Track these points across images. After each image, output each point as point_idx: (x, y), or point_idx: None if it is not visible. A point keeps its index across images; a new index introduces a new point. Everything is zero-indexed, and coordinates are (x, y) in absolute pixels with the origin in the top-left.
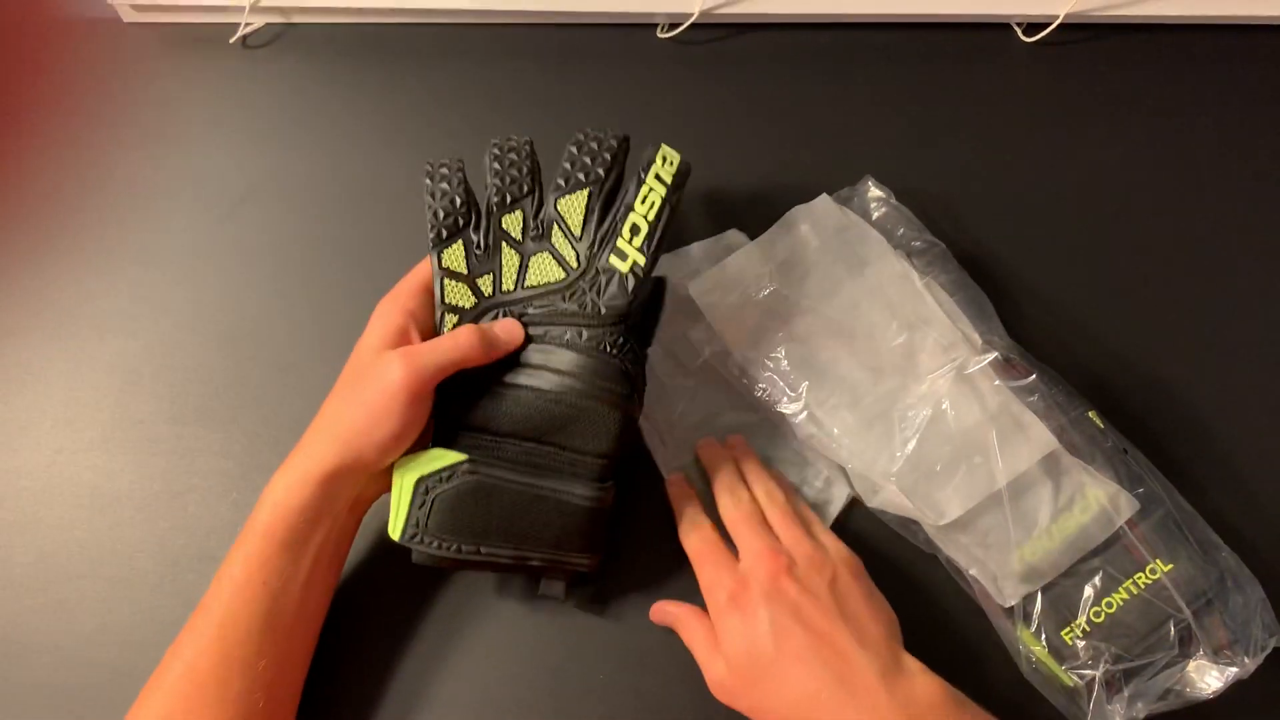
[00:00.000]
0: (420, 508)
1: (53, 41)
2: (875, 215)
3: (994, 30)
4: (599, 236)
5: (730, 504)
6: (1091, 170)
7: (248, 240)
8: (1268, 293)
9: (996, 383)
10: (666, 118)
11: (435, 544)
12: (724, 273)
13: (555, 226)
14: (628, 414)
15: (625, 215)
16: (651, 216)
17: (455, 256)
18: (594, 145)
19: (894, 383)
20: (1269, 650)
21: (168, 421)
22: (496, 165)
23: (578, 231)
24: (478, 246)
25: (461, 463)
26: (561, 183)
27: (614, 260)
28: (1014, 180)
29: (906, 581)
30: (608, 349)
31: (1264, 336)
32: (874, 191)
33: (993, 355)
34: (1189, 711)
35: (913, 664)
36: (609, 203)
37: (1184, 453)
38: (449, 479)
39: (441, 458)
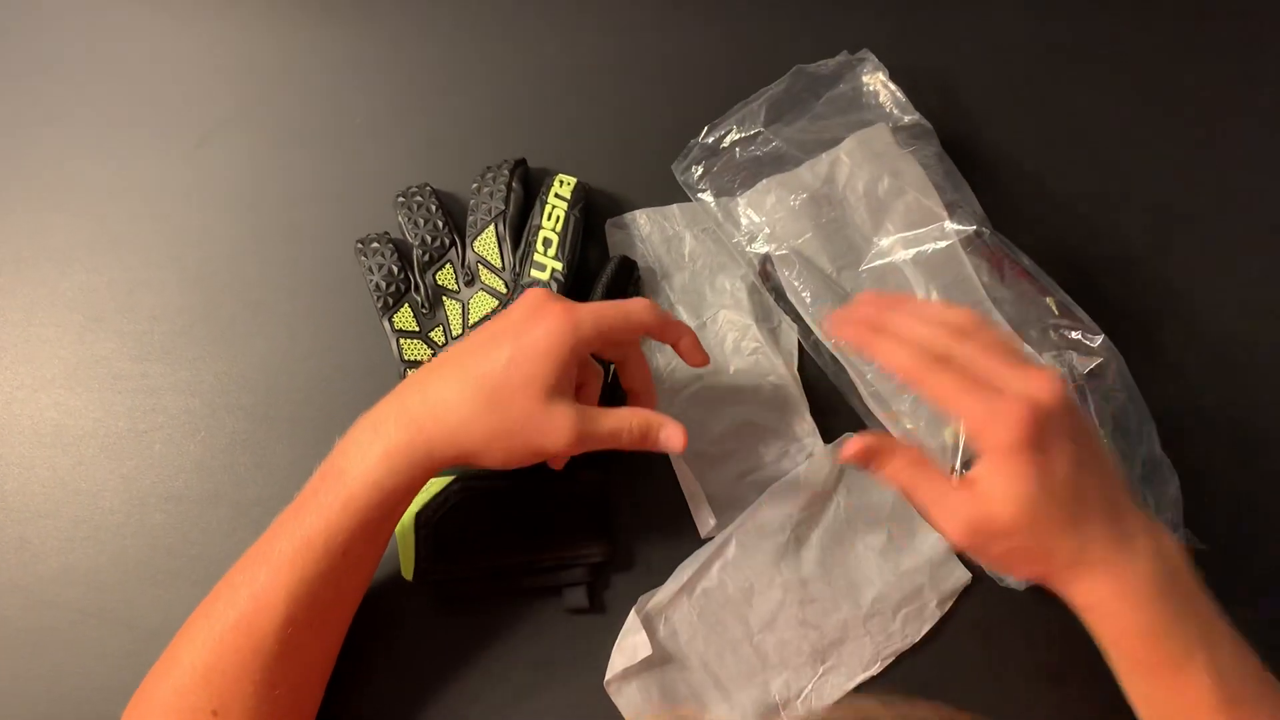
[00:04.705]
0: (424, 541)
1: None
2: (865, 91)
3: None
4: (518, 259)
5: (957, 358)
6: (1085, 55)
7: (216, 175)
8: (1250, 182)
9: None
10: None
11: (446, 569)
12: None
13: (480, 266)
14: None
15: (536, 234)
16: (559, 229)
17: (405, 318)
18: (489, 181)
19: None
20: None
21: (132, 359)
22: (412, 226)
23: (498, 263)
24: (422, 306)
25: (452, 482)
26: (472, 228)
27: (535, 273)
28: (1007, 62)
29: None
30: None
31: (1244, 224)
32: (867, 69)
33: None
34: None
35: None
36: (519, 225)
37: (1141, 334)
38: (444, 502)
39: (433, 486)
